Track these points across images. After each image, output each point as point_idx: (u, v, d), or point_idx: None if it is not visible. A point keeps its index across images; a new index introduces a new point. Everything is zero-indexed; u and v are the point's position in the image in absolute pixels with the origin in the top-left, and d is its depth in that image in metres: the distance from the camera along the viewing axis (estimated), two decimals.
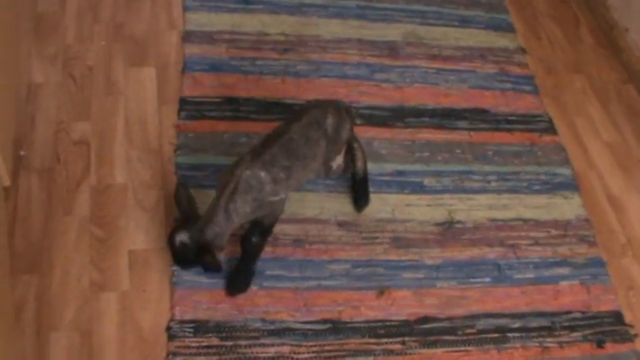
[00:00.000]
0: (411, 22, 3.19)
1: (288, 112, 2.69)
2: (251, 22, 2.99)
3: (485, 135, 2.85)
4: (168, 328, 2.16)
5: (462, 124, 2.86)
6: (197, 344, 2.13)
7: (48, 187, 2.37)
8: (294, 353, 2.17)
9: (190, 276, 2.25)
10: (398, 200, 2.58)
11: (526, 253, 2.55)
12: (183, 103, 2.66)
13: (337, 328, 2.25)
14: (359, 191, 2.50)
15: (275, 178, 2.14)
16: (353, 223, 2.48)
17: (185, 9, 2.98)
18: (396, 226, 2.51)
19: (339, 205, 2.46)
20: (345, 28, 3.08)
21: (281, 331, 2.20)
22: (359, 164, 2.47)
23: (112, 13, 2.90)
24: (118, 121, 2.58)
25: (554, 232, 2.63)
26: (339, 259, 2.39)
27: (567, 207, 2.71)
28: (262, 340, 2.18)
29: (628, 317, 2.48)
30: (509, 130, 2.89)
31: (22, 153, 2.44)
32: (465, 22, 3.27)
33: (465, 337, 2.31)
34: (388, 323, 2.29)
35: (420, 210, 2.57)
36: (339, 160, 2.34)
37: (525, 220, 2.64)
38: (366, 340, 2.24)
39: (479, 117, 2.90)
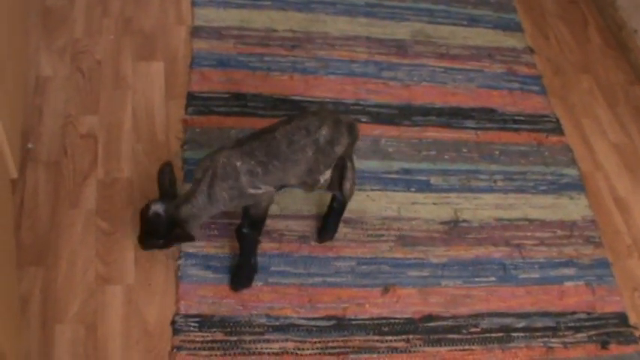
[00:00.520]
0: (420, 21, 3.19)
1: (295, 109, 2.70)
2: (259, 19, 2.99)
3: (492, 134, 2.85)
4: (173, 322, 2.16)
5: (469, 123, 2.86)
6: (202, 339, 2.14)
7: (55, 180, 2.38)
8: (299, 349, 2.17)
9: (196, 270, 2.26)
10: (404, 198, 2.58)
11: (531, 253, 2.55)
12: (191, 98, 2.67)
13: (342, 324, 2.25)
14: (330, 220, 2.41)
15: (251, 170, 2.10)
16: (359, 221, 2.48)
17: (194, 4, 2.98)
18: (402, 224, 2.51)
19: None
20: (353, 26, 3.08)
21: (285, 327, 2.21)
22: (347, 185, 2.31)
23: (121, 7, 2.90)
24: (126, 115, 2.58)
25: (559, 232, 2.63)
26: (344, 256, 2.39)
27: (573, 207, 2.71)
28: (267, 336, 2.18)
29: (633, 319, 2.48)
30: (516, 130, 2.89)
31: (29, 146, 2.44)
32: (473, 22, 3.27)
33: (469, 336, 2.31)
34: (393, 321, 2.29)
35: (426, 208, 2.57)
36: (327, 175, 2.24)
37: (531, 220, 2.64)
38: (370, 337, 2.24)
39: (486, 116, 2.90)
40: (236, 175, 2.09)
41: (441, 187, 2.64)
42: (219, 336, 2.15)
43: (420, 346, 2.26)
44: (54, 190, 2.36)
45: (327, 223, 2.41)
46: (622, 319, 2.47)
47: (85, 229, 2.30)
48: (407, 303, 2.34)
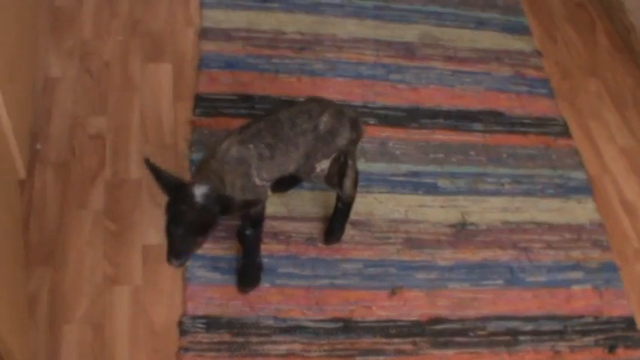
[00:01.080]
0: (428, 24, 3.19)
1: None
2: (268, 20, 3.00)
3: (499, 137, 2.85)
4: (180, 323, 2.16)
5: (476, 126, 2.86)
6: (209, 340, 2.14)
7: (63, 181, 2.39)
8: (306, 351, 2.17)
9: (203, 272, 2.26)
10: (411, 201, 2.58)
11: (539, 257, 2.55)
12: (199, 99, 2.67)
13: (349, 327, 2.25)
14: (336, 222, 2.40)
15: (261, 153, 2.06)
16: (366, 223, 2.48)
17: (202, 6, 2.99)
18: (409, 227, 2.51)
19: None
20: (361, 28, 3.08)
21: (292, 329, 2.21)
22: (347, 184, 2.29)
23: (130, 9, 2.91)
24: (134, 117, 2.59)
25: (567, 236, 2.63)
26: (351, 258, 2.39)
27: (581, 211, 2.71)
28: (274, 338, 2.18)
29: None
30: (523, 133, 2.89)
31: (38, 146, 2.45)
32: (480, 24, 3.27)
33: (476, 339, 2.31)
34: (400, 323, 2.29)
35: (433, 211, 2.57)
36: (323, 165, 2.21)
37: (539, 224, 2.63)
38: (377, 339, 2.24)
39: (494, 119, 2.90)
40: (249, 159, 2.05)
41: (448, 190, 2.64)
42: (227, 337, 2.16)
43: (427, 348, 2.26)
44: (62, 190, 2.37)
45: (333, 224, 2.41)
46: (629, 323, 2.46)
47: (93, 229, 2.30)
48: (414, 305, 2.34)
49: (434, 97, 2.91)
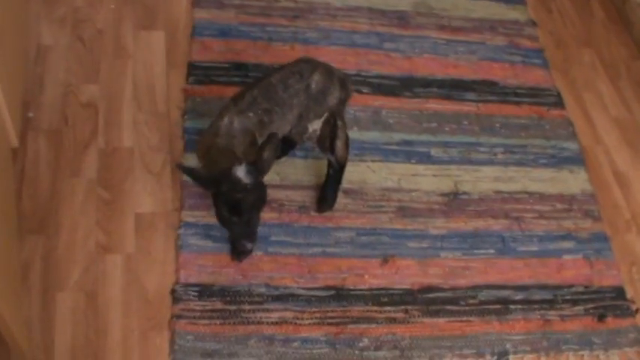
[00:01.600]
0: None
1: None
2: None
3: (493, 107, 2.85)
4: (173, 291, 2.17)
5: (470, 95, 2.86)
6: (201, 307, 2.15)
7: (56, 149, 2.38)
8: (298, 319, 2.19)
9: (196, 240, 2.26)
10: (404, 170, 2.58)
11: (530, 226, 2.56)
12: (192, 67, 2.66)
13: (341, 295, 2.26)
14: (328, 189, 2.40)
15: (261, 120, 2.09)
16: (359, 192, 2.49)
17: None
18: (402, 196, 2.52)
19: (345, 173, 2.45)
20: None
21: (285, 297, 2.22)
22: (339, 144, 2.29)
23: None
24: (127, 85, 2.58)
25: (559, 206, 2.64)
26: (344, 226, 2.40)
27: (573, 181, 2.71)
28: (266, 306, 2.19)
29: (630, 293, 2.49)
30: (517, 103, 2.89)
31: (30, 115, 2.44)
32: None
33: (467, 308, 2.33)
34: (392, 291, 2.31)
35: (426, 180, 2.58)
36: (315, 125, 2.23)
37: (531, 193, 2.64)
38: (369, 307, 2.26)
39: (487, 89, 2.90)
40: (252, 127, 2.06)
41: (441, 159, 2.64)
42: (219, 305, 2.17)
43: (419, 316, 2.28)
44: (54, 159, 2.36)
45: (325, 192, 2.41)
46: (619, 292, 2.48)
47: (86, 198, 2.30)
48: (406, 274, 2.35)
49: (428, 67, 2.90)
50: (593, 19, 3.34)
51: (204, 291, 2.18)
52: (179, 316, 2.12)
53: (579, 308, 2.41)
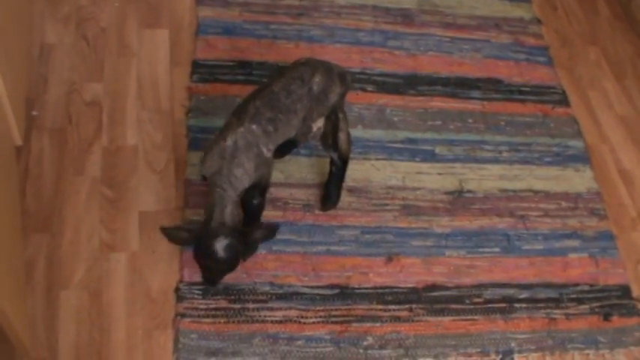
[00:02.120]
0: None
1: None
2: None
3: (497, 105, 2.84)
4: (177, 290, 2.17)
5: (474, 93, 2.85)
6: (205, 306, 2.15)
7: (59, 148, 2.38)
8: (302, 317, 2.18)
9: None
10: (409, 168, 2.57)
11: (536, 225, 2.55)
12: (196, 65, 2.66)
13: (345, 293, 2.26)
14: (332, 187, 2.40)
15: (265, 130, 2.08)
16: (363, 190, 2.48)
17: None
18: (407, 194, 2.51)
19: (349, 172, 2.44)
20: None
21: (289, 295, 2.21)
22: (342, 137, 2.30)
23: None
24: (130, 83, 2.58)
25: (564, 204, 2.63)
26: (348, 224, 2.40)
27: (578, 180, 2.70)
28: (270, 304, 2.19)
29: (635, 291, 2.49)
30: (522, 101, 2.88)
31: (34, 113, 2.44)
32: None
33: (472, 306, 2.32)
34: (396, 290, 2.30)
35: (430, 178, 2.57)
36: (319, 123, 2.23)
37: (536, 192, 2.63)
38: (373, 306, 2.25)
39: (492, 87, 2.89)
40: (256, 140, 2.07)
41: (446, 157, 2.64)
42: (223, 303, 2.16)
43: (423, 315, 2.27)
44: (58, 157, 2.36)
45: (329, 189, 2.40)
46: (625, 291, 2.47)
47: (90, 196, 2.30)
48: (410, 272, 2.35)
49: (432, 64, 2.90)
50: (598, 16, 3.33)
51: (208, 289, 2.18)
52: (183, 315, 2.12)
53: (585, 307, 2.40)
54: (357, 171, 2.48)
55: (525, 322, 2.33)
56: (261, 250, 2.27)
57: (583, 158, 2.77)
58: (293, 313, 2.19)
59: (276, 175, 2.39)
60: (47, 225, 2.22)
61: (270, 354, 2.11)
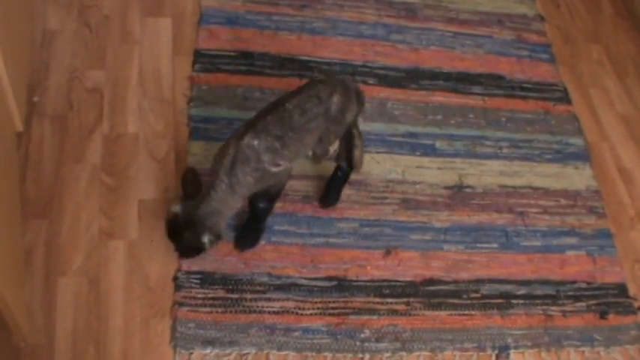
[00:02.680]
0: None
1: (302, 69, 2.69)
2: None
3: (499, 101, 2.84)
4: (175, 279, 2.17)
5: (476, 89, 2.85)
6: (203, 295, 2.15)
7: (60, 134, 2.38)
8: (299, 309, 2.19)
9: None
10: (409, 162, 2.58)
11: (534, 221, 2.55)
12: (198, 55, 2.65)
13: (343, 285, 2.26)
14: (333, 188, 2.40)
15: (270, 147, 2.05)
16: (363, 183, 2.48)
17: None
18: (406, 188, 2.51)
19: None
20: None
21: (287, 287, 2.22)
22: (356, 153, 2.30)
23: None
24: (132, 71, 2.57)
25: (563, 201, 2.63)
26: (347, 217, 2.40)
27: (578, 177, 2.71)
28: (268, 295, 2.19)
29: (632, 290, 2.49)
30: (523, 98, 2.88)
31: (35, 99, 2.44)
32: None
33: (469, 301, 2.33)
34: (394, 283, 2.30)
35: (430, 172, 2.57)
36: (336, 145, 2.25)
37: (535, 189, 2.64)
38: (371, 299, 2.25)
39: (494, 83, 2.89)
40: (257, 155, 2.04)
41: (446, 152, 2.64)
42: (221, 293, 2.17)
43: (420, 309, 2.27)
44: (59, 144, 2.36)
45: (330, 190, 2.40)
46: (622, 290, 2.48)
47: (90, 183, 2.30)
48: (408, 266, 2.35)
49: (434, 59, 2.90)
50: (601, 14, 3.33)
51: (207, 279, 2.18)
52: (181, 304, 2.12)
53: (581, 304, 2.41)
54: None
55: (522, 318, 2.34)
56: (260, 241, 2.27)
57: (583, 156, 2.77)
58: (290, 304, 2.19)
59: None
60: (46, 211, 2.22)
61: (267, 344, 2.11)
